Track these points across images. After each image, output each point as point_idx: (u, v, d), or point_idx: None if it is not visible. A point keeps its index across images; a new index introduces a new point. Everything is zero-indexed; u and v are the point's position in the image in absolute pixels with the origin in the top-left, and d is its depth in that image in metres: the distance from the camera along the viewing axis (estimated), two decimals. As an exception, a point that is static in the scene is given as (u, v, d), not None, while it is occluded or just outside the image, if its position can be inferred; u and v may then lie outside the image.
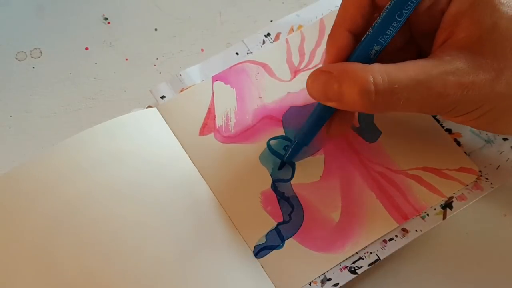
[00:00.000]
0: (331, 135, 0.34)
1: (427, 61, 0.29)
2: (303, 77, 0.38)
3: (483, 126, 0.32)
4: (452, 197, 0.36)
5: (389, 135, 0.37)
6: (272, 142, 0.37)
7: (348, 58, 0.31)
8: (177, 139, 0.37)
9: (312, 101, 0.38)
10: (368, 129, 0.37)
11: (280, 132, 0.37)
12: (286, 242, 0.34)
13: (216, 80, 0.38)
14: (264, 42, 0.40)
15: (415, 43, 0.34)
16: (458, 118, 0.31)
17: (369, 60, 0.30)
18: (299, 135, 0.35)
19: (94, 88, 0.40)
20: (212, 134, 0.37)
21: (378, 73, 0.28)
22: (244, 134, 0.37)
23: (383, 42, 0.30)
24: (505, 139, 0.37)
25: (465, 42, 0.29)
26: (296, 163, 0.36)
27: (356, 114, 0.37)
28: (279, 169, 0.36)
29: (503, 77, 0.29)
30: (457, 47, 0.29)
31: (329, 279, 0.34)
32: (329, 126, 0.34)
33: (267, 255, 0.34)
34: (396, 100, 0.28)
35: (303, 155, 0.36)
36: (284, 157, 0.36)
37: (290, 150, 0.35)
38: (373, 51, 0.30)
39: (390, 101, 0.28)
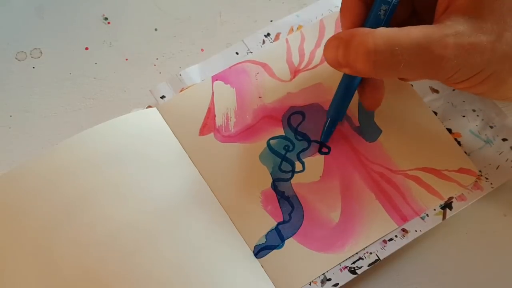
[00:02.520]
0: (366, 107, 0.35)
1: (428, 26, 0.30)
2: (303, 77, 0.38)
3: (487, 93, 0.32)
4: (451, 197, 0.36)
5: (389, 134, 0.37)
6: (272, 141, 0.37)
7: (361, 26, 0.32)
8: (177, 139, 0.37)
9: (311, 101, 0.38)
10: (368, 128, 0.37)
11: (280, 131, 0.37)
12: (286, 242, 0.34)
13: (216, 80, 0.38)
14: (264, 42, 0.40)
15: (418, 17, 0.34)
16: (461, 84, 0.31)
17: (380, 24, 0.31)
18: (331, 112, 0.35)
19: (94, 88, 0.40)
20: (212, 134, 0.37)
21: (380, 35, 0.29)
22: (244, 134, 0.37)
23: (390, 0, 0.31)
24: (504, 140, 0.37)
25: (465, 7, 0.29)
26: (296, 162, 0.36)
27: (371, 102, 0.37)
28: (319, 150, 0.37)
29: (503, 39, 0.29)
30: (458, 13, 0.29)
31: (329, 279, 0.34)
32: (362, 99, 0.35)
33: (267, 255, 0.34)
34: (397, 62, 0.29)
35: (304, 155, 0.36)
36: (321, 137, 0.36)
37: (325, 128, 0.36)
38: (382, 11, 0.31)
39: (391, 62, 0.29)
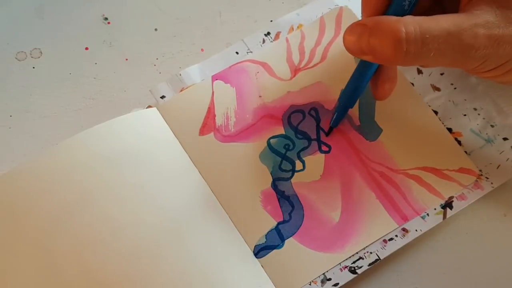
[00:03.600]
0: (377, 97, 0.35)
1: (457, 15, 0.30)
2: (303, 76, 0.38)
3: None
4: (452, 197, 0.35)
5: (390, 134, 0.37)
6: (272, 140, 0.37)
7: (383, 14, 0.32)
8: (177, 139, 0.37)
9: (312, 99, 0.38)
10: (369, 127, 0.37)
11: (280, 130, 0.37)
12: (286, 241, 0.34)
13: (216, 79, 0.38)
14: (264, 41, 0.40)
15: (441, 6, 0.34)
16: (487, 73, 0.31)
17: (403, 13, 0.31)
18: (342, 97, 0.35)
19: (94, 88, 0.40)
20: (212, 133, 0.37)
21: (410, 23, 0.29)
22: (244, 133, 0.37)
23: None
24: (505, 139, 0.37)
25: None
26: (296, 161, 0.36)
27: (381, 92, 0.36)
28: (327, 135, 0.37)
29: None
30: (486, 2, 0.30)
31: (329, 279, 0.34)
32: (375, 89, 0.35)
33: (267, 255, 0.34)
34: (427, 51, 0.29)
35: (304, 153, 0.36)
36: (331, 122, 0.36)
37: (336, 114, 0.36)
38: (407, 1, 0.31)
39: (421, 51, 0.29)
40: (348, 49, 0.32)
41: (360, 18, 0.39)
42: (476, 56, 0.29)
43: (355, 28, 0.31)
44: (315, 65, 0.39)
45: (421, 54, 0.29)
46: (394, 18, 0.30)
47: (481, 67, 0.30)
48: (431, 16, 0.29)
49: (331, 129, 0.37)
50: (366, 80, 0.34)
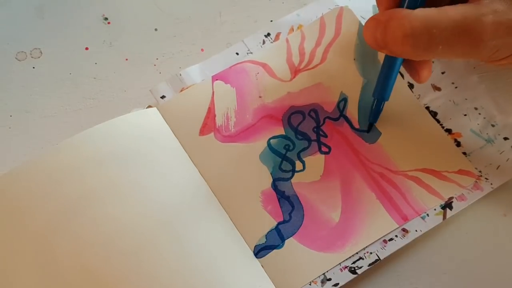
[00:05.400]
0: (417, 81, 0.35)
1: (465, 5, 0.30)
2: (303, 77, 0.38)
3: None
4: (452, 198, 0.36)
5: (389, 137, 0.37)
6: (272, 141, 0.37)
7: (398, 5, 0.32)
8: (177, 139, 0.37)
9: (312, 101, 0.38)
10: (367, 131, 0.37)
11: (280, 131, 0.37)
12: (286, 241, 0.34)
13: (216, 80, 0.38)
14: (264, 42, 0.40)
15: None
16: (503, 61, 0.31)
17: (417, 4, 0.31)
18: (376, 92, 0.35)
19: (94, 88, 0.40)
20: (212, 133, 0.37)
21: (417, 18, 0.29)
22: (244, 133, 0.37)
23: None
24: (505, 139, 0.37)
25: None
26: (296, 162, 0.36)
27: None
28: (368, 131, 0.37)
29: None
30: None
31: (329, 279, 0.34)
32: (412, 74, 0.34)
33: (267, 255, 0.34)
34: (435, 44, 0.29)
35: (304, 154, 0.36)
36: (369, 118, 0.37)
37: (373, 109, 0.36)
38: None
39: (428, 44, 0.29)
40: (367, 42, 0.32)
41: (360, 18, 0.40)
42: (487, 46, 0.29)
43: (371, 22, 0.31)
44: (315, 66, 0.39)
45: (428, 48, 0.29)
46: (403, 12, 0.30)
47: (495, 56, 0.30)
48: (440, 7, 0.29)
49: (371, 125, 0.37)
50: (395, 70, 0.34)
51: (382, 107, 0.36)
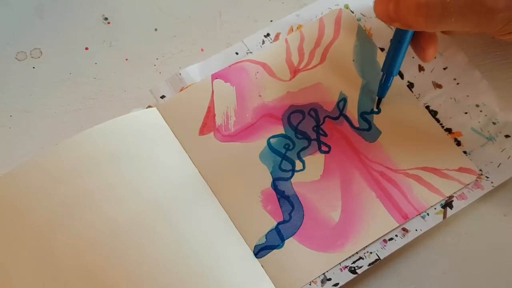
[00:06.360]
0: (422, 59, 0.35)
1: None
2: (303, 77, 0.38)
3: None
4: (452, 196, 0.35)
5: (388, 136, 0.37)
6: (272, 140, 0.37)
7: None
8: (177, 139, 0.37)
9: (311, 100, 0.38)
10: (368, 129, 0.37)
11: (280, 130, 0.37)
12: (286, 241, 0.34)
13: (216, 78, 0.38)
14: (263, 42, 0.40)
15: None
16: (511, 35, 0.32)
17: None
18: (385, 67, 0.36)
19: (94, 88, 0.40)
20: (212, 133, 0.37)
21: None
22: (244, 133, 0.37)
23: None
24: (507, 136, 0.37)
25: None
26: (296, 161, 0.36)
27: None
28: (377, 106, 0.37)
29: None
30: None
31: (329, 279, 0.34)
32: (420, 52, 0.35)
33: (267, 255, 0.34)
34: (448, 15, 0.30)
35: (304, 153, 0.36)
36: (378, 92, 0.37)
37: (381, 83, 0.36)
38: None
39: (442, 15, 0.30)
40: (378, 16, 0.33)
41: (360, 16, 0.39)
42: (498, 18, 0.30)
43: None
44: (314, 66, 0.39)
45: (442, 19, 0.30)
46: None
47: (505, 28, 0.31)
48: None
49: (379, 100, 0.37)
50: (405, 45, 0.35)
51: (391, 82, 0.36)
